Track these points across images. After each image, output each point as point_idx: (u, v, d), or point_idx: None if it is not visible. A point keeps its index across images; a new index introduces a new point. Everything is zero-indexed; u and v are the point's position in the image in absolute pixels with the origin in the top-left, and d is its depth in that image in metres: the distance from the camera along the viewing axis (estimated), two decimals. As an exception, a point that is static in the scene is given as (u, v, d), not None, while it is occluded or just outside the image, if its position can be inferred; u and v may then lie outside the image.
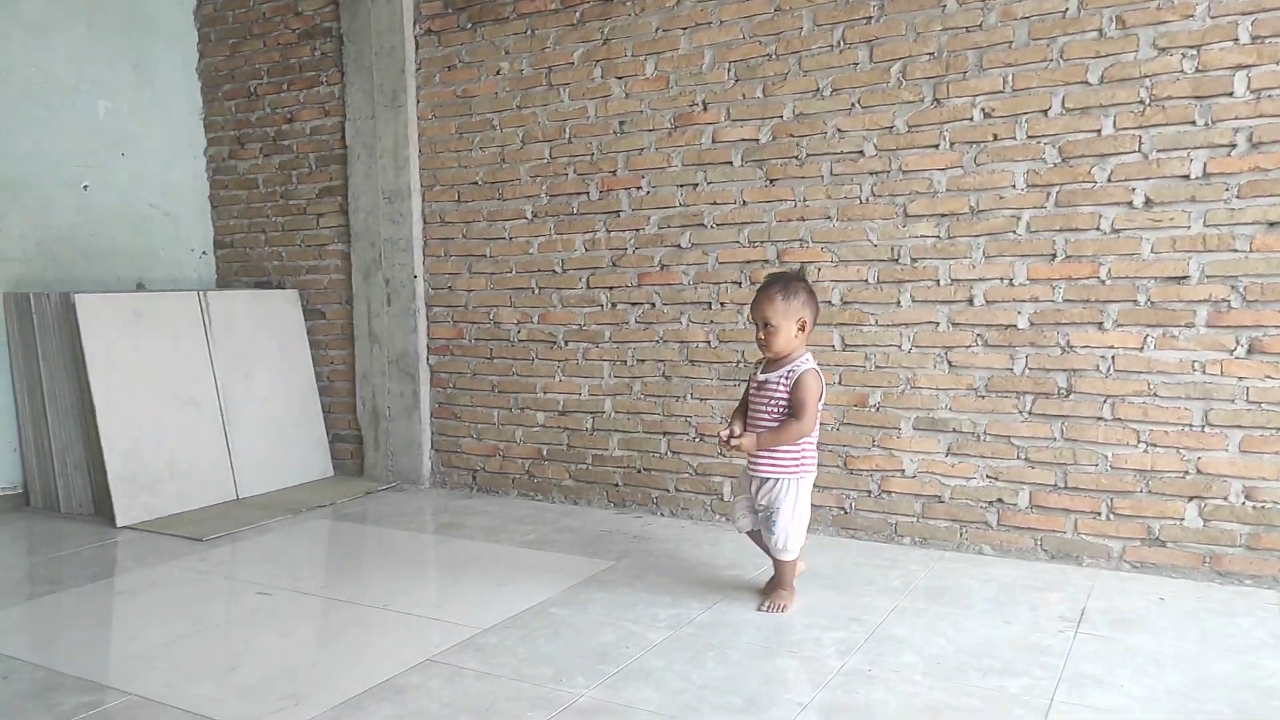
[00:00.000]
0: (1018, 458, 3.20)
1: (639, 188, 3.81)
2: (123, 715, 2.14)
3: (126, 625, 2.83)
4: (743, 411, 2.80)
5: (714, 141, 3.64)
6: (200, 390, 4.22)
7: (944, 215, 3.26)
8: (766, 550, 2.80)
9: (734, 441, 2.65)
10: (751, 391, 2.76)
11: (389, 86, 4.31)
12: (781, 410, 2.67)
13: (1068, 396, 3.12)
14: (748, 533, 2.88)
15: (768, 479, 2.70)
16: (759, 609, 2.73)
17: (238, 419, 4.33)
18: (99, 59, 4.47)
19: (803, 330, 2.66)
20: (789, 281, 2.68)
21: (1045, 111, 3.09)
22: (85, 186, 4.44)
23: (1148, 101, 2.95)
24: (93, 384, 3.84)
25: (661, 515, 3.81)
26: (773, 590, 2.79)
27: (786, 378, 2.66)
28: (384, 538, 3.66)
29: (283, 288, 4.77)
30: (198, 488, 4.10)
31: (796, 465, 2.68)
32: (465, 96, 4.17)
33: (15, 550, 3.58)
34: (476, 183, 4.19)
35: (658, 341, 3.81)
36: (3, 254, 4.12)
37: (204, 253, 4.99)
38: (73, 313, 3.88)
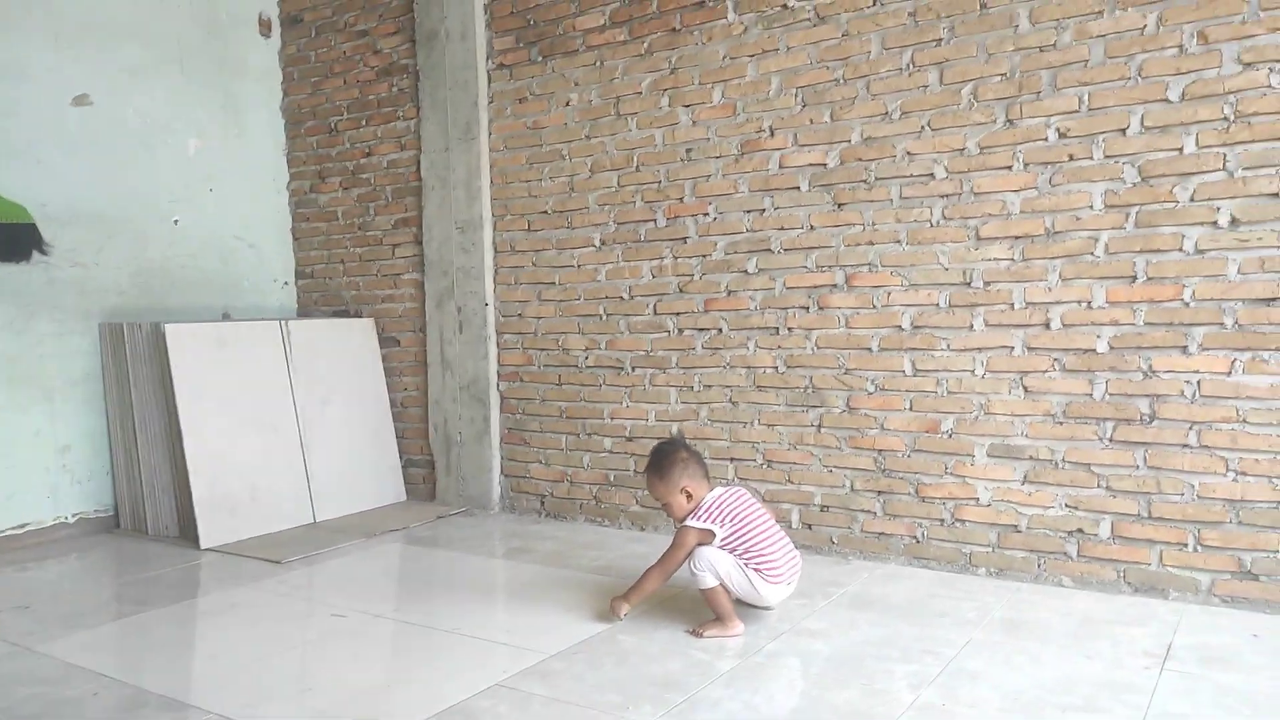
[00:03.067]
0: (1099, 486, 3.09)
1: (706, 214, 3.82)
2: (204, 732, 2.21)
3: (208, 645, 2.92)
4: None
5: (781, 167, 3.63)
6: (280, 416, 4.35)
7: (1018, 237, 3.20)
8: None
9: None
10: None
11: (462, 120, 4.42)
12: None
13: (1151, 423, 3.01)
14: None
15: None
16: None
17: (315, 444, 4.45)
18: (191, 99, 4.70)
19: (689, 497, 2.84)
20: (660, 461, 2.87)
21: (1123, 130, 3.01)
22: (176, 221, 4.65)
23: (1232, 118, 2.86)
24: (180, 410, 4.00)
25: (730, 542, 3.78)
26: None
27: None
28: (455, 562, 3.71)
29: (359, 316, 4.91)
30: (277, 511, 4.23)
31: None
32: (536, 128, 4.26)
33: (105, 570, 3.74)
34: (546, 211, 4.26)
35: (724, 367, 3.81)
36: (100, 285, 4.34)
37: (286, 283, 5.17)
38: (163, 341, 4.05)
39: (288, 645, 2.83)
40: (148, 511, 4.20)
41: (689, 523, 2.81)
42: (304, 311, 5.16)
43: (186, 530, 4.08)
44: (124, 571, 3.71)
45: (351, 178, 4.92)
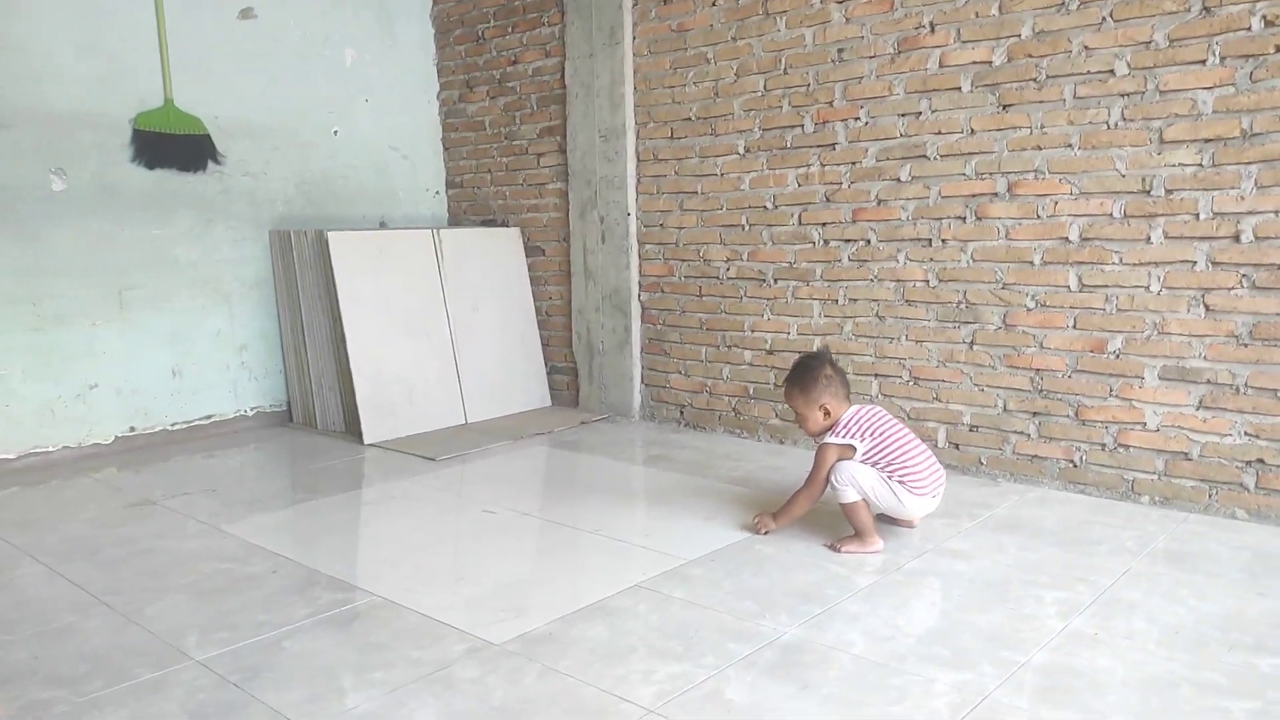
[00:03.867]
0: (1285, 415, 2.84)
1: (857, 119, 3.65)
2: (369, 614, 2.39)
3: (372, 532, 3.14)
4: None
5: (941, 66, 3.41)
6: (433, 322, 4.54)
7: (1208, 140, 2.90)
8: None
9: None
10: None
11: (606, 24, 4.35)
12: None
13: (1354, 347, 2.72)
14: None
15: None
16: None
17: (466, 350, 4.63)
18: (346, 9, 4.81)
19: (827, 414, 2.78)
20: (802, 374, 2.81)
21: (1346, 15, 2.65)
22: (335, 132, 4.83)
23: None
24: (343, 315, 4.23)
25: (871, 458, 3.72)
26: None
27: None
28: (597, 466, 3.82)
29: (506, 225, 5.01)
30: (432, 412, 4.45)
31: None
32: (680, 30, 4.14)
33: (280, 460, 4.05)
34: (689, 119, 4.17)
35: (872, 280, 3.68)
36: (269, 195, 4.59)
37: (437, 192, 5.31)
38: (326, 249, 4.27)
39: (442, 537, 3.00)
40: (316, 408, 4.50)
41: (829, 439, 2.77)
42: (454, 220, 5.31)
43: (351, 426, 4.36)
44: (297, 461, 4.01)
45: (498, 86, 4.96)
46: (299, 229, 4.50)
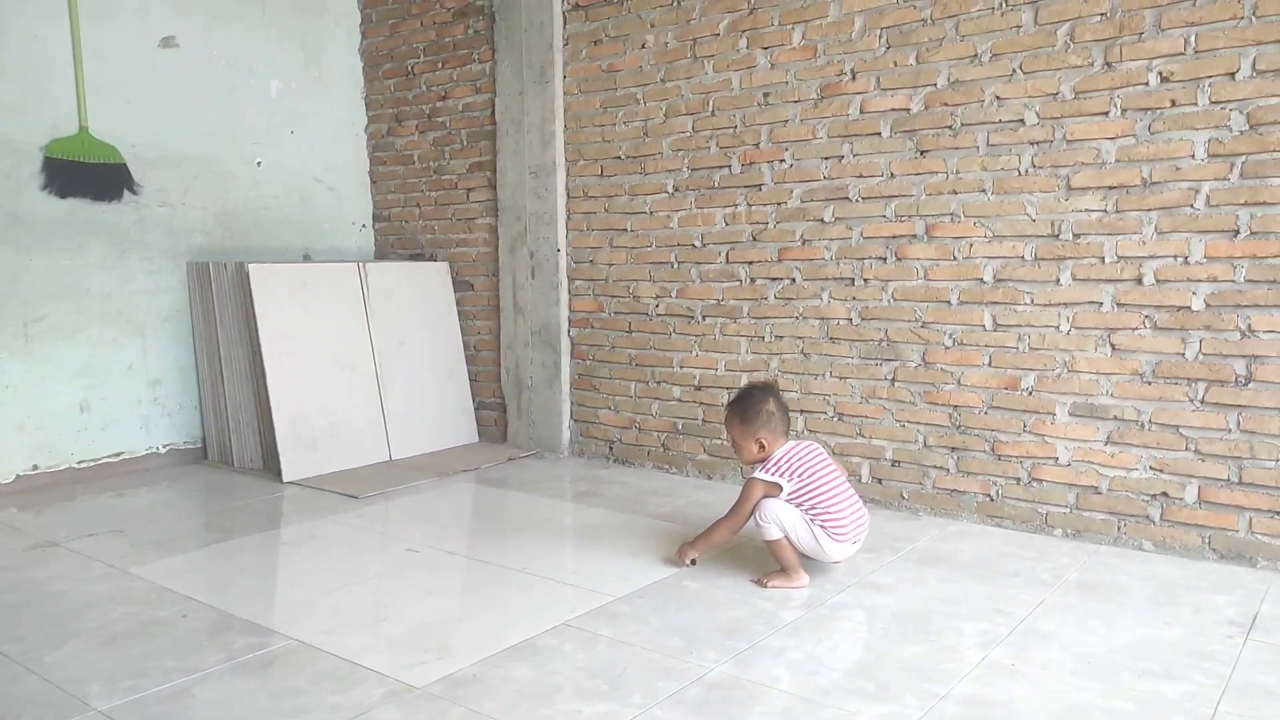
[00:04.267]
0: (1187, 449, 2.98)
1: (782, 160, 3.74)
2: (285, 658, 2.31)
3: (290, 574, 3.04)
4: None
5: (862, 112, 3.52)
6: (358, 356, 4.46)
7: (1112, 188, 3.05)
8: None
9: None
10: None
11: (537, 62, 4.38)
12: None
13: (1246, 385, 2.87)
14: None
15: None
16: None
17: (392, 384, 4.55)
18: (272, 40, 4.75)
19: (761, 448, 2.80)
20: (745, 405, 2.82)
21: (1233, 74, 2.83)
22: (259, 163, 4.74)
23: (1356, 60, 2.66)
24: (263, 348, 4.12)
25: (797, 493, 3.77)
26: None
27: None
28: (525, 503, 3.78)
29: (435, 260, 4.97)
30: (355, 448, 4.35)
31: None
32: (610, 71, 4.20)
33: (194, 499, 3.91)
34: (619, 157, 4.22)
35: (797, 318, 3.75)
36: (187, 225, 4.47)
37: (364, 225, 5.25)
38: (247, 281, 4.17)
39: (364, 576, 2.93)
40: (233, 444, 4.37)
41: (757, 475, 2.80)
42: (381, 254, 5.25)
43: (270, 463, 4.24)
44: (211, 501, 3.87)
45: (428, 121, 4.94)
46: (219, 260, 4.39)
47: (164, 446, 4.43)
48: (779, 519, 2.72)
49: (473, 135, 4.76)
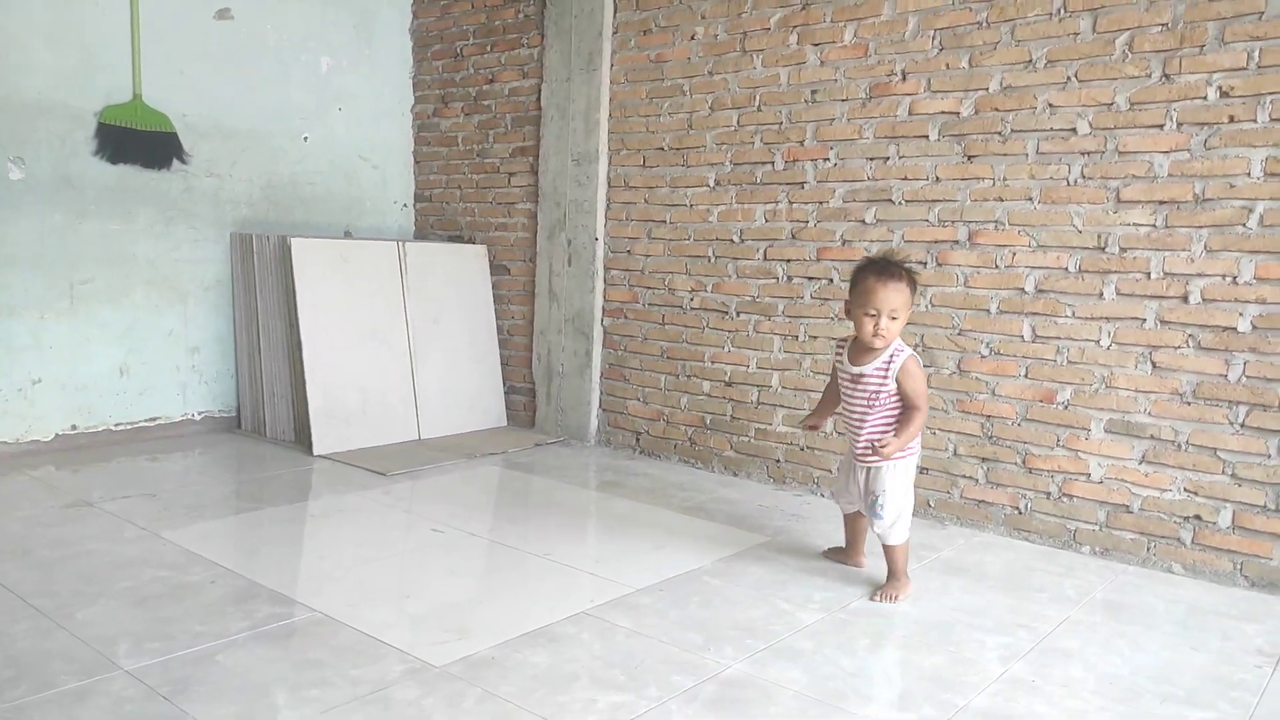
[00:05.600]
0: (1223, 473, 2.92)
1: (826, 159, 3.71)
2: (307, 629, 2.34)
3: (316, 546, 3.08)
4: (830, 404, 2.87)
5: (910, 114, 3.48)
6: (394, 335, 4.50)
7: (1162, 203, 2.99)
8: (855, 541, 2.90)
9: (882, 451, 2.58)
10: (845, 384, 2.72)
11: (585, 49, 4.38)
12: (884, 402, 2.65)
13: (1291, 411, 2.81)
14: (845, 516, 2.92)
15: (878, 467, 2.67)
16: (872, 599, 2.66)
17: (424, 364, 4.59)
18: (325, 18, 4.79)
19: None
20: (907, 272, 2.63)
21: (1295, 92, 2.76)
22: (305, 138, 4.79)
23: None
24: (301, 322, 4.17)
25: (822, 495, 3.75)
26: (888, 580, 2.73)
27: (886, 368, 2.62)
28: (549, 489, 3.80)
29: (473, 242, 5.00)
30: (385, 425, 4.39)
31: (904, 451, 2.64)
32: (658, 61, 4.19)
33: (226, 467, 3.97)
34: (662, 148, 4.21)
35: (832, 319, 3.72)
36: (233, 196, 4.53)
37: (405, 205, 5.29)
38: (288, 254, 4.22)
39: (389, 553, 2.96)
40: (267, 415, 4.43)
41: (910, 350, 2.65)
42: (420, 234, 5.28)
43: (301, 436, 4.29)
44: (243, 469, 3.93)
45: (473, 104, 4.96)
46: (261, 233, 4.45)
47: (199, 414, 4.50)
48: (910, 514, 2.71)
49: (517, 120, 4.77)
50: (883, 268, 2.61)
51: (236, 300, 4.54)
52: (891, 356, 2.62)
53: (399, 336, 4.52)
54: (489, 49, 4.86)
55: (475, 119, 4.96)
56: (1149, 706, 2.11)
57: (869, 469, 2.70)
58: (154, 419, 4.34)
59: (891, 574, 2.72)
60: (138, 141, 4.15)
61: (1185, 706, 2.12)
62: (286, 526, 3.22)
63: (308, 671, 2.10)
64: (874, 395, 2.65)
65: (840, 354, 2.75)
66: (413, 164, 5.28)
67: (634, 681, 2.12)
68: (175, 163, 4.30)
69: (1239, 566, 2.91)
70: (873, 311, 2.58)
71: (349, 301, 4.35)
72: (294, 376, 4.31)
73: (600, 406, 4.54)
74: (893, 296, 2.56)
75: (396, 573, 2.81)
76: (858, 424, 2.70)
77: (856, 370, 2.67)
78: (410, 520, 3.33)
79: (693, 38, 4.06)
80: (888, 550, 2.71)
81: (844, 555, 2.95)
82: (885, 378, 2.63)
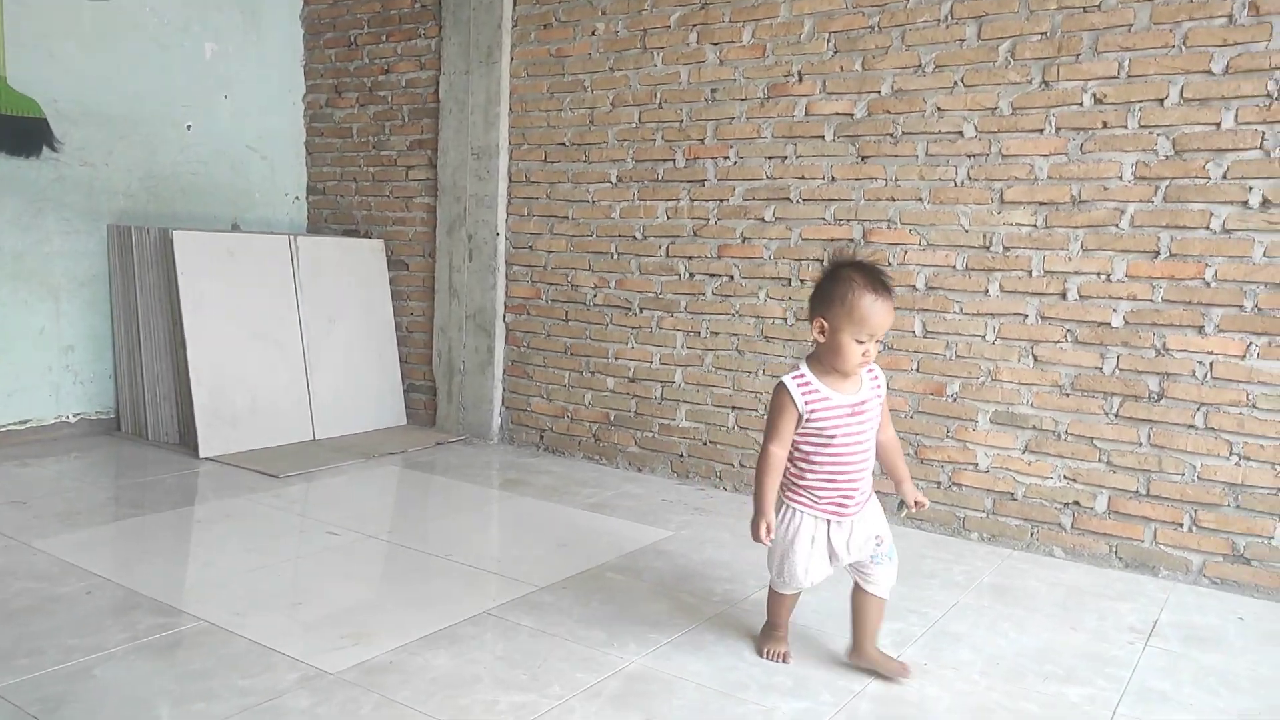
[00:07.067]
0: (1099, 460, 3.08)
1: (726, 157, 3.75)
2: (193, 639, 2.23)
3: (202, 553, 2.95)
4: (777, 481, 2.18)
5: (807, 114, 3.55)
6: (285, 332, 4.34)
7: (1043, 204, 3.13)
8: (864, 607, 2.23)
9: (922, 504, 2.26)
10: (836, 422, 2.13)
11: (484, 42, 4.32)
12: (874, 429, 2.19)
13: (1159, 401, 2.98)
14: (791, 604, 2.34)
15: (867, 506, 2.22)
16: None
17: (319, 362, 4.45)
18: (209, 2, 4.58)
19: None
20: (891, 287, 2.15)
21: (1161, 101, 2.93)
22: (189, 126, 4.57)
23: (1276, 95, 2.77)
24: (185, 319, 3.98)
25: (724, 489, 3.80)
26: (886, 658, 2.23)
27: (878, 387, 2.20)
28: (450, 489, 3.73)
29: (370, 237, 4.86)
30: (277, 426, 4.24)
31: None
32: (559, 56, 4.16)
33: (104, 472, 3.76)
34: (564, 143, 4.18)
35: (733, 315, 3.77)
36: (109, 187, 4.29)
37: (296, 198, 5.11)
38: (170, 248, 4.02)
39: (280, 558, 2.85)
40: (148, 416, 4.22)
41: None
42: (314, 228, 5.12)
43: (186, 438, 4.10)
44: (122, 474, 3.73)
45: (368, 94, 4.83)
46: (141, 225, 4.23)
47: (74, 416, 4.25)
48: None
49: (415, 112, 4.67)
50: (877, 283, 2.10)
51: (114, 296, 4.30)
52: (874, 373, 2.21)
53: (291, 333, 4.36)
54: (384, 39, 4.74)
55: (371, 110, 4.83)
56: (1031, 685, 2.21)
57: (854, 518, 2.19)
58: (24, 422, 4.08)
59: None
60: (2, 127, 3.89)
61: (1064, 684, 2.23)
62: (170, 533, 3.07)
63: (193, 683, 2.01)
64: (874, 424, 2.18)
65: (808, 389, 2.15)
66: (305, 155, 5.11)
67: (536, 681, 2.10)
68: (45, 150, 4.04)
69: (1114, 549, 3.07)
70: (866, 338, 2.09)
71: (237, 297, 4.18)
72: (178, 376, 4.11)
73: (503, 404, 4.49)
74: (889, 318, 2.10)
75: (289, 578, 2.71)
76: (859, 466, 2.16)
77: (855, 400, 2.15)
78: (303, 523, 3.22)
79: (594, 33, 4.04)
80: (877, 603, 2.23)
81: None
82: (880, 399, 2.20)
